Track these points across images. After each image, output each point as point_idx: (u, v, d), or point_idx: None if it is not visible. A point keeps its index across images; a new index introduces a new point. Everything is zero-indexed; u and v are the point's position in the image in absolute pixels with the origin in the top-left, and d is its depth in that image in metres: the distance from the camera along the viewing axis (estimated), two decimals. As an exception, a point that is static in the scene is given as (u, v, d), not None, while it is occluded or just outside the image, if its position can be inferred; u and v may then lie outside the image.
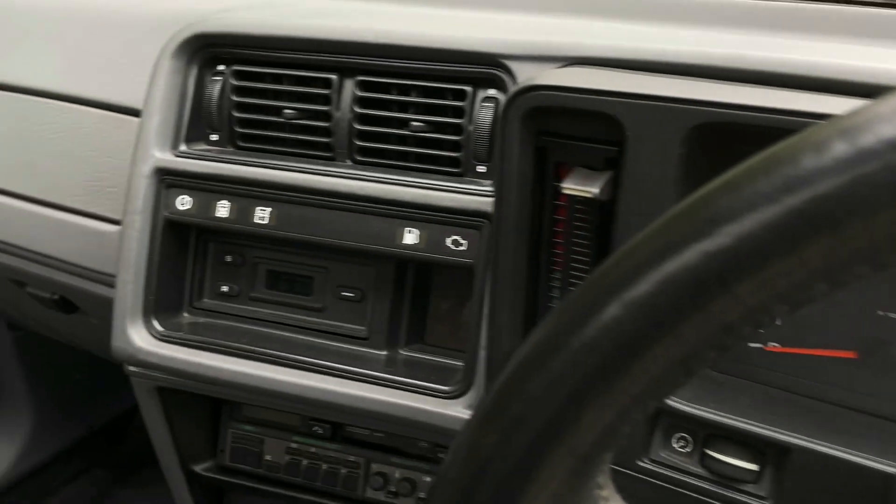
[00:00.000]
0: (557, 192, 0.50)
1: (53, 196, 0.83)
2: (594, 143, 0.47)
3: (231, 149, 0.67)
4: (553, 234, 0.51)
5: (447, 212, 0.57)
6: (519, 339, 0.52)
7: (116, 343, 0.67)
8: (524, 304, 0.51)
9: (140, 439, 1.59)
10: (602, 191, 0.45)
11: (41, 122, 0.85)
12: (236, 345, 0.64)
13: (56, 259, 0.84)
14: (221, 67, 0.66)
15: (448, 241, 0.58)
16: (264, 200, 0.63)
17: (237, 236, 0.68)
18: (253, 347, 0.64)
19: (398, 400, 0.59)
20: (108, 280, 0.82)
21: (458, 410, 0.56)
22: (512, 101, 0.48)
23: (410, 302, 0.64)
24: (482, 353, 0.56)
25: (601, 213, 0.48)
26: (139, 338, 0.66)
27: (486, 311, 0.55)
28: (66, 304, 0.94)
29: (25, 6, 0.94)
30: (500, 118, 0.52)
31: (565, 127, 0.47)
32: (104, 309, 0.90)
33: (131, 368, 0.69)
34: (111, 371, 1.47)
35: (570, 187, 0.46)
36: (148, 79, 0.78)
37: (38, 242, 0.85)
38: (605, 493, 0.24)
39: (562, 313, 0.22)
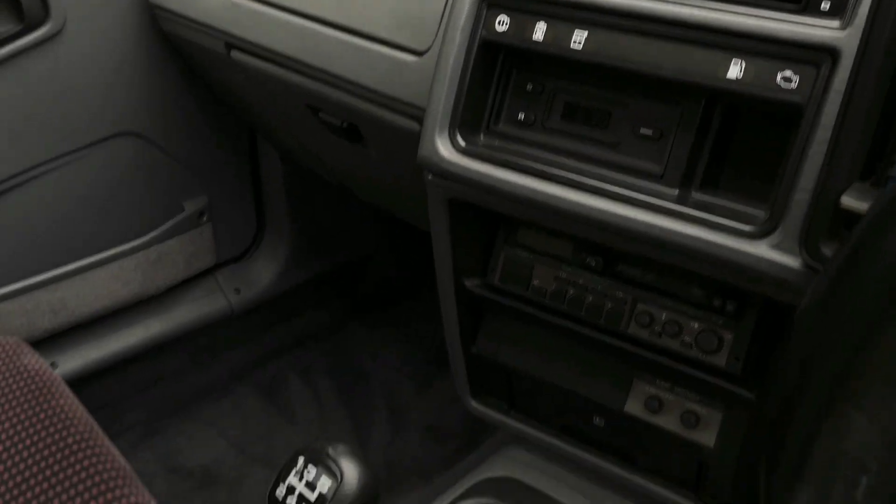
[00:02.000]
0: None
1: (361, 25, 0.90)
2: None
3: (550, -27, 0.68)
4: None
5: (783, 44, 0.55)
6: (856, 178, 0.50)
7: (423, 153, 0.73)
8: (870, 147, 0.49)
9: (375, 284, 1.75)
10: None
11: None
12: (529, 163, 0.68)
13: (356, 84, 0.92)
14: None
15: (778, 77, 0.56)
16: (582, 24, 0.64)
17: (542, 64, 0.70)
18: (545, 168, 0.67)
19: (693, 232, 0.59)
20: (400, 108, 0.88)
21: (763, 250, 0.56)
22: None
23: (712, 143, 0.63)
24: (797, 196, 0.54)
25: None
26: (444, 149, 0.71)
27: (810, 152, 0.54)
28: (352, 132, 1.04)
29: None
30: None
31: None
32: (387, 138, 0.98)
33: (430, 178, 0.75)
34: (359, 215, 1.62)
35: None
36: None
37: (341, 67, 0.93)
38: None
39: None
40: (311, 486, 0.47)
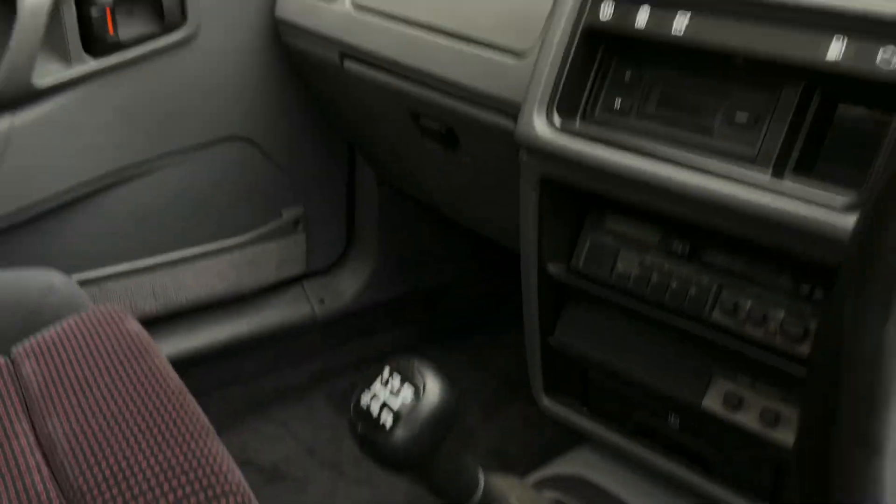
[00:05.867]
0: None
1: (465, 28, 0.96)
2: None
3: (656, -35, 0.72)
4: None
5: (884, 23, 0.56)
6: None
7: (520, 129, 0.76)
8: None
9: (451, 310, 1.77)
10: None
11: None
12: (623, 139, 0.70)
13: (456, 85, 0.97)
14: None
15: (878, 56, 0.57)
16: (685, 7, 0.67)
17: (641, 53, 0.73)
18: (640, 143, 0.69)
19: (785, 205, 0.60)
20: (497, 105, 0.93)
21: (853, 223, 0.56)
22: None
23: (808, 129, 0.64)
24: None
25: None
26: (540, 126, 0.75)
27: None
28: (449, 136, 1.09)
29: None
30: None
31: None
32: (482, 141, 1.02)
33: (525, 158, 0.78)
34: (445, 242, 1.66)
35: None
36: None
37: (443, 69, 0.98)
38: None
39: None
40: (394, 394, 0.49)
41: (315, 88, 1.39)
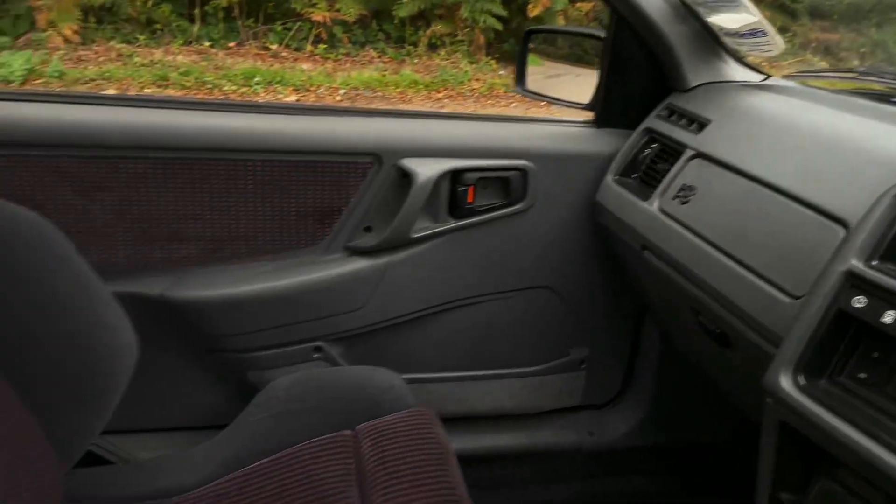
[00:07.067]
0: None
1: (749, 259, 1.12)
2: None
3: (917, 274, 0.83)
4: None
5: None
6: None
7: (768, 378, 0.91)
8: None
9: (715, 469, 1.85)
10: None
11: (763, 206, 1.14)
12: (858, 418, 0.82)
13: (733, 304, 1.13)
14: (932, 213, 0.83)
15: None
16: (927, 323, 0.78)
17: (890, 341, 0.84)
18: (872, 427, 0.80)
19: None
20: (766, 333, 1.07)
21: None
22: None
23: None
24: None
25: None
26: (785, 382, 0.89)
27: None
28: (723, 338, 1.24)
29: (783, 121, 1.26)
30: None
31: None
32: (751, 353, 1.16)
33: (769, 401, 0.92)
34: (717, 402, 1.76)
35: None
36: (858, 197, 0.98)
37: (726, 287, 1.15)
38: None
39: None
40: None
41: (617, 257, 1.62)
